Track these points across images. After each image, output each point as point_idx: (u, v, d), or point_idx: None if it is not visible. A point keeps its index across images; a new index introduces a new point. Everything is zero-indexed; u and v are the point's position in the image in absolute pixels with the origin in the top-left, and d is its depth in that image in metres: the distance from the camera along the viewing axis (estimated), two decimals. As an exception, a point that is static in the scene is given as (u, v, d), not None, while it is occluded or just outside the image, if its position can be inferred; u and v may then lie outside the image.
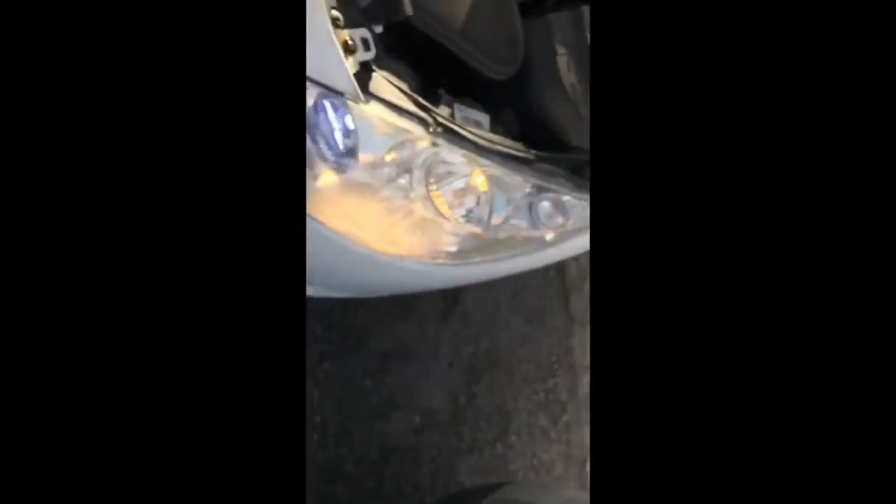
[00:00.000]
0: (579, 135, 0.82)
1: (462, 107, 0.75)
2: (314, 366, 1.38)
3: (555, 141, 0.81)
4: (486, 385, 1.62)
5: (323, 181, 0.71)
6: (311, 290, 0.85)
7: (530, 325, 1.73)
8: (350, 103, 0.65)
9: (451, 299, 1.60)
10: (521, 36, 0.76)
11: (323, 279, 0.80)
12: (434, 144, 0.70)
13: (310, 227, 0.70)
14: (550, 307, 1.78)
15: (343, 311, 1.41)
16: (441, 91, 0.75)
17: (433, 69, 0.75)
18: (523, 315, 1.73)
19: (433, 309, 1.57)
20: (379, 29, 0.68)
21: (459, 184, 0.74)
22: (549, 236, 0.82)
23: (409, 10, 0.66)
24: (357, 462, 1.41)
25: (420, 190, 0.72)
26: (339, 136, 0.67)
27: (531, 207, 0.79)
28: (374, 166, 0.70)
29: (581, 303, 1.84)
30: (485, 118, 0.77)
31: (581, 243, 0.89)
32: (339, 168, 0.70)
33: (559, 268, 1.80)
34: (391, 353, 1.47)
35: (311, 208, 0.69)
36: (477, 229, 0.76)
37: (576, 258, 1.78)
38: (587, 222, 0.84)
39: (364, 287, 0.83)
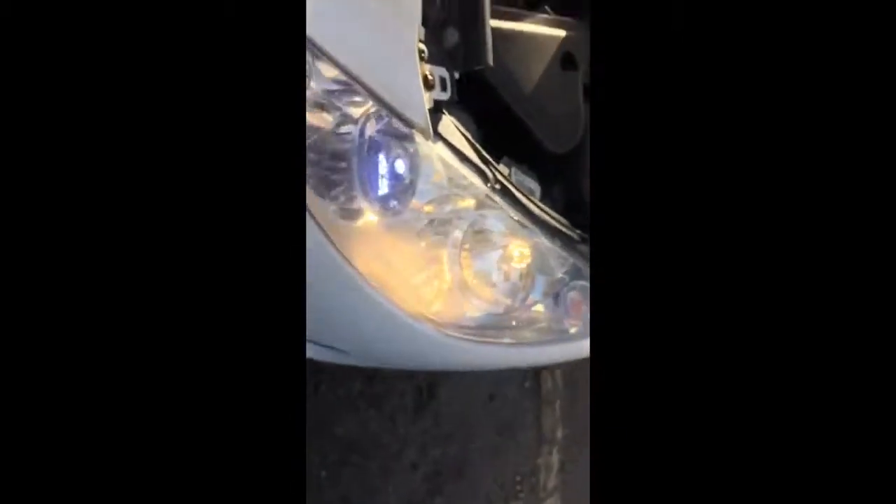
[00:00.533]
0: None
1: (517, 171, 0.72)
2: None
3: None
4: (447, 496, 1.48)
5: (364, 219, 0.65)
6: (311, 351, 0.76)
7: (500, 436, 1.63)
8: (418, 139, 0.61)
9: (426, 394, 1.50)
10: (583, 115, 0.76)
11: (327, 328, 0.71)
12: (480, 207, 0.66)
13: (330, 264, 0.63)
14: (522, 421, 1.70)
15: (313, 390, 1.29)
16: (500, 151, 0.72)
17: (495, 128, 0.72)
18: (495, 423, 1.63)
19: (407, 401, 1.47)
20: (456, 73, 0.65)
21: (495, 255, 0.69)
22: (573, 329, 0.77)
23: (490, 60, 0.64)
24: (294, 567, 1.22)
25: (452, 251, 0.66)
26: (395, 174, 0.62)
27: (560, 293, 0.74)
28: (418, 214, 0.65)
29: (552, 420, 1.76)
30: (537, 188, 0.74)
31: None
32: (386, 209, 0.64)
33: (536, 379, 1.74)
34: (355, 444, 1.34)
35: (342, 244, 0.63)
36: (508, 301, 0.70)
37: (551, 371, 1.72)
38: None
39: (375, 348, 0.74)
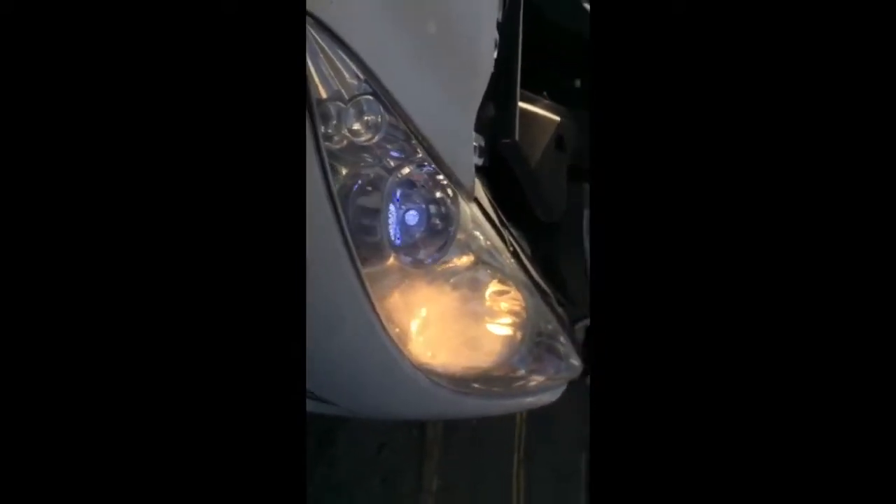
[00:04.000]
0: (581, 294, 0.88)
1: (516, 234, 0.78)
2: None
3: (567, 291, 0.87)
4: (333, 549, 1.44)
5: (392, 266, 0.66)
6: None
7: (383, 486, 1.63)
8: (461, 201, 0.64)
9: (325, 439, 1.46)
10: (565, 191, 0.85)
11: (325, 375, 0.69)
12: (500, 268, 0.71)
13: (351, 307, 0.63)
14: (405, 469, 1.71)
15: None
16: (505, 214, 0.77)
17: (499, 193, 0.78)
18: (382, 472, 1.63)
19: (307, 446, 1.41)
20: (482, 142, 0.70)
21: (508, 314, 0.74)
22: (549, 381, 0.83)
23: (516, 136, 0.71)
24: None
25: (476, 308, 0.70)
26: (433, 228, 0.65)
27: (546, 348, 0.80)
28: (447, 269, 0.68)
29: (431, 470, 1.80)
30: (528, 248, 0.80)
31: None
32: (417, 260, 0.66)
33: (421, 429, 1.77)
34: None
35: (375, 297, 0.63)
36: (506, 358, 0.75)
37: (434, 422, 1.77)
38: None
39: (374, 396, 0.72)
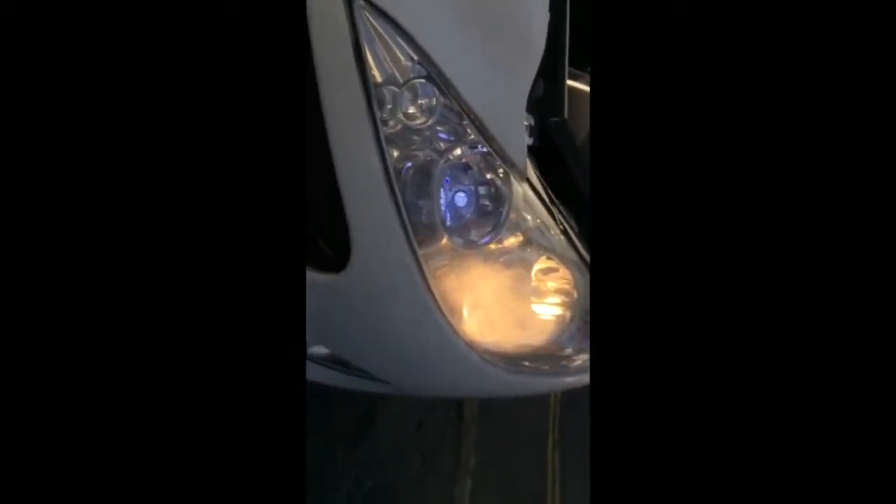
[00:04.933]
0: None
1: (563, 211, 0.78)
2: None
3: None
4: (378, 528, 1.48)
5: (446, 246, 0.66)
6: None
7: (424, 465, 1.66)
8: (513, 180, 0.64)
9: (365, 422, 1.49)
10: (610, 169, 0.84)
11: (380, 353, 0.71)
12: (550, 247, 0.71)
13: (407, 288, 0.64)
14: (443, 448, 1.74)
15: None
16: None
17: (547, 171, 0.78)
18: (421, 450, 1.66)
19: (346, 430, 1.45)
20: (532, 121, 0.70)
21: (558, 294, 0.74)
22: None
23: (565, 114, 0.70)
24: None
25: (526, 287, 0.71)
26: (485, 208, 0.65)
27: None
28: (499, 248, 0.68)
29: (469, 448, 1.82)
30: (575, 226, 0.80)
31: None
32: (469, 240, 0.66)
33: (458, 408, 1.79)
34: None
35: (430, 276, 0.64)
36: (556, 337, 0.75)
37: (471, 399, 1.79)
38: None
39: (427, 374, 0.74)
